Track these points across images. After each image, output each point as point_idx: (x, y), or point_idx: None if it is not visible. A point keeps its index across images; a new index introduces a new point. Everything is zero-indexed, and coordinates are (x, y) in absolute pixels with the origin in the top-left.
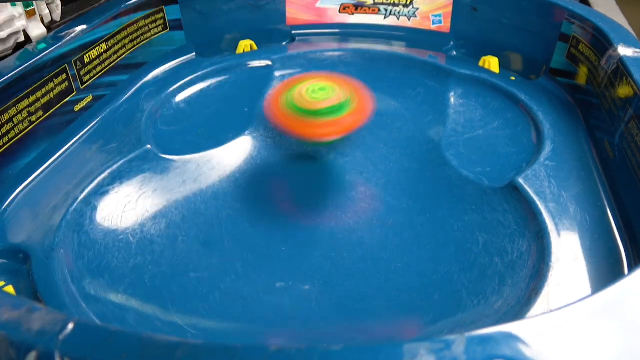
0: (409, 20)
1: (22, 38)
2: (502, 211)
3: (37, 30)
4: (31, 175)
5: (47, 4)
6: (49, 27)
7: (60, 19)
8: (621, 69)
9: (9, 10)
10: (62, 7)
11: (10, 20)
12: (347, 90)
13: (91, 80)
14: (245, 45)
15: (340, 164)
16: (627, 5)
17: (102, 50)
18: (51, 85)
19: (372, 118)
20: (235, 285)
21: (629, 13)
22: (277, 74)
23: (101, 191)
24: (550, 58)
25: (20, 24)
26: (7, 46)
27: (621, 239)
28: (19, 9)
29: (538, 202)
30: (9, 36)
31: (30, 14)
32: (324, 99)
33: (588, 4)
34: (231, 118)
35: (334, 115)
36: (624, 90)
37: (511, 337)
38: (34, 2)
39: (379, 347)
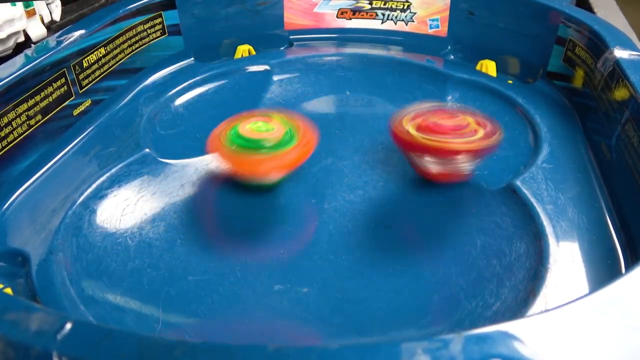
0: (407, 24)
1: (22, 38)
2: (499, 214)
3: (37, 30)
4: (30, 179)
5: (46, 4)
6: (48, 27)
7: (60, 18)
8: (617, 71)
9: (9, 10)
10: (61, 7)
11: (10, 20)
12: (290, 124)
13: (90, 85)
14: (243, 50)
15: (339, 167)
16: (627, 5)
17: (101, 55)
18: (50, 89)
19: (372, 122)
20: (234, 288)
21: (629, 13)
22: (275, 78)
23: (100, 195)
24: (547, 61)
25: (20, 24)
26: (7, 46)
27: (618, 240)
28: (19, 9)
29: (535, 205)
30: (9, 36)
31: (30, 14)
32: (266, 131)
33: (588, 5)
34: None
35: (278, 149)
36: (620, 93)
37: (508, 336)
38: (33, 2)
39: (377, 346)
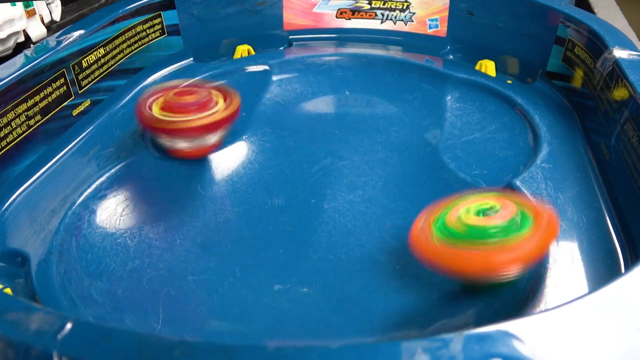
0: (406, 24)
1: (22, 38)
2: None
3: (37, 30)
4: (29, 179)
5: (46, 4)
6: (48, 27)
7: (60, 18)
8: (616, 71)
9: (9, 10)
10: (61, 7)
11: (10, 20)
12: (520, 205)
13: (89, 85)
14: (242, 50)
15: (338, 167)
16: (627, 5)
17: (100, 55)
18: (49, 89)
19: (371, 122)
20: (234, 288)
21: (629, 13)
22: (274, 78)
23: (99, 195)
24: (546, 61)
25: (20, 24)
26: (7, 46)
27: (618, 240)
28: (19, 9)
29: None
30: (9, 36)
31: (30, 14)
32: (492, 214)
33: (588, 5)
34: None
35: (509, 235)
36: (619, 92)
37: (508, 335)
38: (33, 2)
39: (377, 346)
